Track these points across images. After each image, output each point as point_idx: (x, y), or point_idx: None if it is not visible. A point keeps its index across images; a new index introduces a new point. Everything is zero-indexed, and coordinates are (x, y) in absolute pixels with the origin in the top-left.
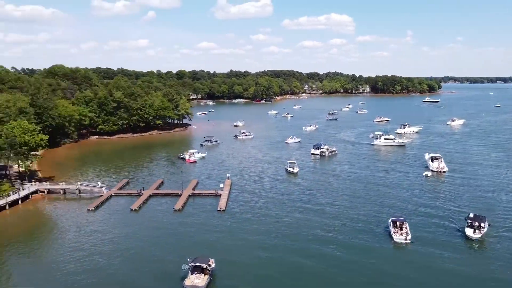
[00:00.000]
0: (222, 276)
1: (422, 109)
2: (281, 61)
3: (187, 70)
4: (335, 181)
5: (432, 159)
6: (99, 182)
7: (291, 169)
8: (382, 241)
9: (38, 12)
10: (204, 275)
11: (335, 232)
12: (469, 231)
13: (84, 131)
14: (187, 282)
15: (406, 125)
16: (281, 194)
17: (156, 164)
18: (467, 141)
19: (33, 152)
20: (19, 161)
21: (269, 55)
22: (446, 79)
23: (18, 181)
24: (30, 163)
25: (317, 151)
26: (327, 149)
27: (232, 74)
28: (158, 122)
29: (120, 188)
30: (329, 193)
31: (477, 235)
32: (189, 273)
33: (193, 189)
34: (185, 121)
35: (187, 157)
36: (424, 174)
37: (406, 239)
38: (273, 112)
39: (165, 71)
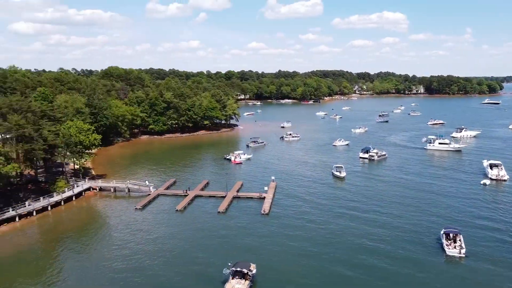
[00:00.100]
0: (263, 282)
1: (481, 111)
2: (331, 60)
3: (235, 71)
4: (384, 187)
5: (491, 166)
6: (146, 181)
7: (338, 174)
8: (433, 254)
9: (98, 16)
10: (245, 280)
11: (382, 242)
12: None
13: (135, 130)
14: (227, 286)
15: (462, 129)
16: (326, 199)
17: (202, 164)
18: None
19: (87, 151)
20: (74, 159)
21: (319, 55)
22: (509, 79)
23: (73, 178)
24: (85, 161)
25: (366, 155)
26: (377, 153)
27: (280, 75)
28: (206, 122)
29: (167, 188)
30: (377, 200)
31: None
32: (230, 277)
33: (238, 191)
34: (232, 121)
35: (233, 158)
36: (482, 183)
37: (459, 253)
38: (321, 113)
39: (215, 72)
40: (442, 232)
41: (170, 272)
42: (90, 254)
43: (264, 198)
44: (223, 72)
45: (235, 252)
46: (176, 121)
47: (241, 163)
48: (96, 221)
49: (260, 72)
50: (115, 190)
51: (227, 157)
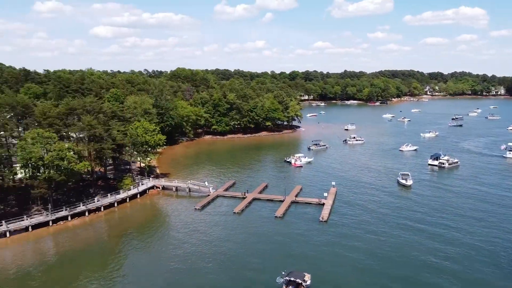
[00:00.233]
0: None
1: None
2: (400, 60)
3: (300, 71)
4: (454, 199)
5: None
6: (206, 182)
7: (403, 182)
8: (510, 278)
9: (169, 19)
10: None
11: (450, 261)
12: None
13: (199, 130)
14: None
15: None
16: (389, 209)
17: (262, 166)
18: None
19: (153, 150)
20: (140, 158)
21: (387, 54)
22: None
23: (139, 176)
24: (150, 160)
25: (436, 162)
26: (448, 160)
27: (346, 75)
28: (267, 123)
29: (226, 189)
30: (446, 213)
31: None
32: (284, 286)
33: (296, 196)
34: (294, 123)
35: (293, 161)
36: None
37: None
38: (388, 116)
39: (279, 72)
40: None
41: (224, 276)
42: (149, 253)
43: (323, 204)
44: (287, 72)
45: (289, 259)
46: (238, 122)
47: (301, 166)
48: (157, 219)
49: (325, 72)
50: (176, 190)
51: (287, 160)
